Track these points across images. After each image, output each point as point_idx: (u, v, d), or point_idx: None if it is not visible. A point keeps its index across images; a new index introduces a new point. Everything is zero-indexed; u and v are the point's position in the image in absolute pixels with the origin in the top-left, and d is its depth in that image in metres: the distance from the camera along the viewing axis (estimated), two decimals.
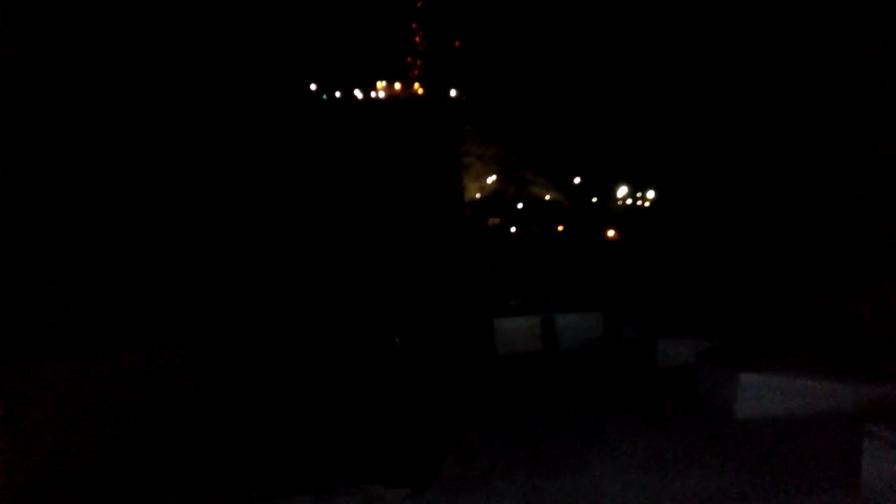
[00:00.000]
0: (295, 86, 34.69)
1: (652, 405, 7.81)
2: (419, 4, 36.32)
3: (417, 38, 36.82)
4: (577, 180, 33.62)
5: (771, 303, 13.98)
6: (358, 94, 36.32)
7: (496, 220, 31.38)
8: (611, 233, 30.65)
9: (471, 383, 10.51)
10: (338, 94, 36.12)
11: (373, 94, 36.36)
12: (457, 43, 35.33)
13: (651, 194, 31.44)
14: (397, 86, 36.34)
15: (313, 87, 35.89)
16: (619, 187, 32.15)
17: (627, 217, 31.37)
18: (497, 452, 6.44)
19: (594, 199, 32.66)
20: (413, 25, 37.31)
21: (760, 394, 6.05)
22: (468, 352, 12.35)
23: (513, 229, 31.23)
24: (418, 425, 7.99)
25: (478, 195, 33.30)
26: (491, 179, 33.66)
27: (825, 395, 5.88)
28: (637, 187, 31.83)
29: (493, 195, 33.27)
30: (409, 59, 37.84)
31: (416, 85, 35.91)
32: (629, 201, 31.93)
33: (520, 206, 32.59)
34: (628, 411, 7.57)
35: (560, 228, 31.45)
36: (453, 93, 34.73)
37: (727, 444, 5.63)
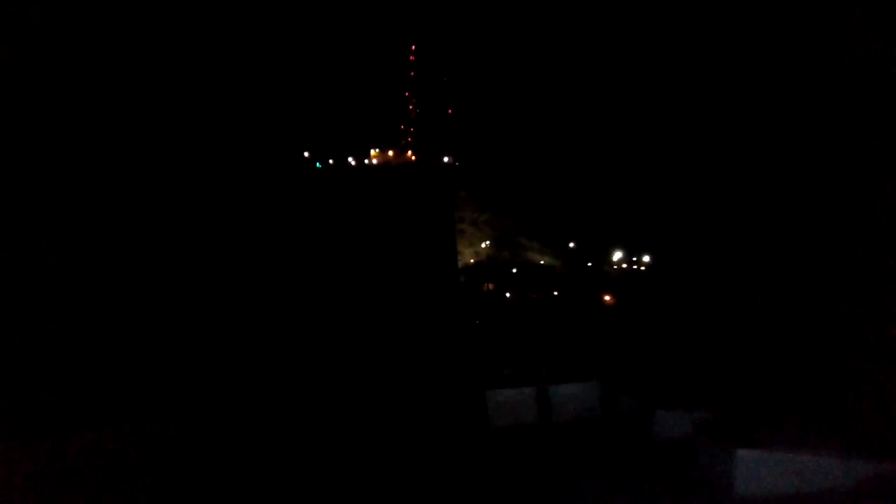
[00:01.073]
0: (287, 154, 34.95)
1: (651, 482, 7.51)
2: (412, 73, 36.96)
3: (410, 106, 37.31)
4: (571, 244, 33.46)
5: (768, 372, 13.50)
6: (351, 161, 36.54)
7: (490, 286, 31.06)
8: (606, 297, 30.28)
9: (463, 458, 9.99)
10: (331, 161, 36.34)
11: (366, 160, 36.58)
12: (449, 111, 35.77)
13: (647, 258, 31.25)
14: (390, 153, 36.61)
15: (306, 154, 36.18)
16: (614, 251, 31.97)
17: (623, 281, 31.08)
18: None
19: (589, 264, 32.43)
20: (405, 94, 37.87)
21: (759, 470, 5.87)
22: (460, 424, 11.81)
23: (507, 294, 30.85)
24: None
25: (472, 260, 33.06)
26: (485, 244, 33.50)
27: (824, 472, 5.72)
28: (632, 251, 31.66)
29: (487, 260, 33.05)
30: (401, 126, 38.26)
31: (409, 152, 36.17)
32: (624, 265, 31.71)
33: (514, 270, 32.31)
34: (627, 493, 7.24)
35: (555, 293, 31.09)
36: (446, 159, 34.96)
37: None
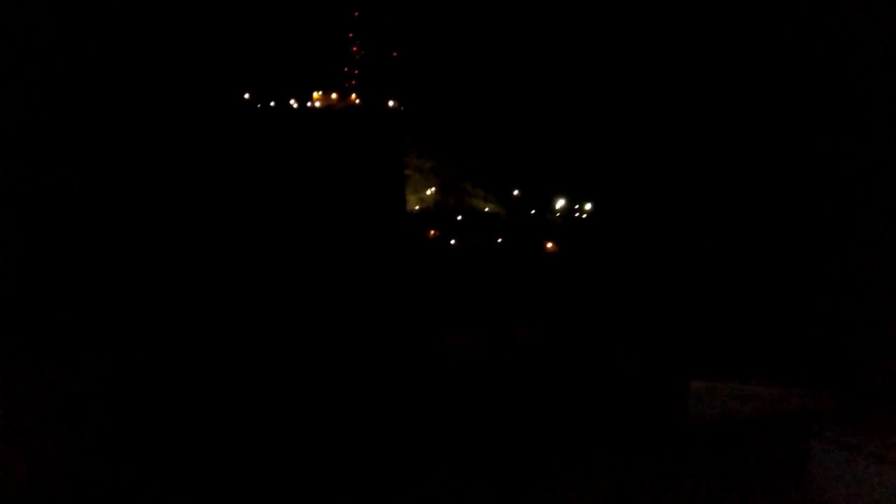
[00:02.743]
0: (228, 94, 33.72)
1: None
2: (356, 14, 35.85)
3: (354, 48, 36.30)
4: (515, 192, 33.71)
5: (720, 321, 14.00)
6: (293, 103, 35.53)
7: (435, 233, 31.13)
8: (549, 245, 30.83)
9: (418, 403, 10.13)
10: (272, 103, 35.26)
11: (308, 103, 35.63)
12: (394, 53, 34.98)
13: (588, 206, 31.88)
14: (334, 96, 35.72)
15: (247, 95, 34.92)
16: (557, 199, 32.40)
17: (566, 229, 31.66)
18: None
19: (532, 212, 32.80)
20: (349, 34, 36.79)
21: None
22: (414, 367, 11.96)
23: (452, 241, 31.03)
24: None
25: (417, 207, 32.98)
26: (430, 191, 33.40)
27: None
28: (575, 200, 32.20)
29: (433, 207, 33.01)
30: (345, 69, 37.25)
31: (353, 95, 35.36)
32: (567, 214, 32.27)
33: (459, 218, 32.42)
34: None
35: (499, 240, 31.44)
36: (392, 103, 34.35)
37: None
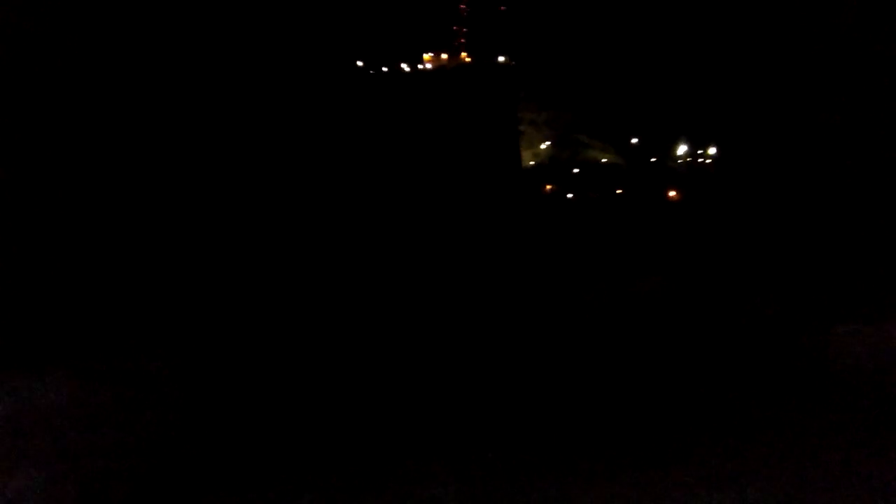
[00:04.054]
0: (342, 63, 34.54)
1: None
2: None
3: (462, 6, 36.07)
4: (634, 141, 32.67)
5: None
6: (405, 67, 35.93)
7: (551, 187, 30.87)
8: (671, 193, 29.80)
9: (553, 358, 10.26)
10: (384, 69, 35.80)
11: (419, 66, 35.90)
12: (502, 7, 34.47)
13: (712, 151, 30.41)
14: (444, 56, 35.79)
15: (360, 63, 35.68)
16: (678, 146, 31.13)
17: (689, 176, 30.46)
18: None
19: (653, 159, 31.73)
20: None
21: None
22: (536, 330, 12.11)
23: (569, 195, 30.67)
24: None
25: (532, 162, 32.74)
26: (544, 145, 33.00)
27: None
28: (697, 145, 30.80)
29: (548, 161, 32.65)
30: (454, 27, 37.13)
31: (464, 54, 35.28)
32: (689, 160, 30.98)
33: (575, 171, 31.91)
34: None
35: (618, 191, 30.74)
36: (502, 59, 34.00)
37: None
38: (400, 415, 7.49)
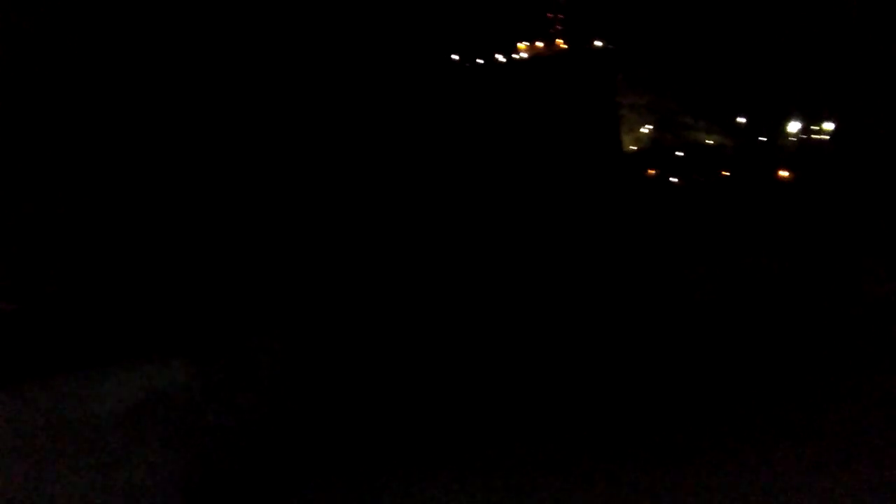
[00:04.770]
0: (437, 57, 34.97)
1: None
2: None
3: None
4: (741, 120, 31.38)
5: None
6: (500, 57, 35.98)
7: (654, 172, 30.17)
8: (784, 173, 28.47)
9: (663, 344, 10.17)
10: (479, 60, 35.98)
11: (515, 56, 35.87)
12: None
13: (828, 126, 28.76)
14: (540, 44, 35.61)
15: (455, 57, 36.02)
16: (789, 122, 29.64)
17: (802, 154, 28.98)
18: None
19: (763, 139, 30.38)
20: None
21: None
22: (654, 306, 12.02)
23: (673, 179, 29.87)
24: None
25: (632, 147, 32.09)
26: (645, 129, 32.28)
27: None
28: (811, 120, 29.22)
29: (651, 145, 31.90)
30: (548, 14, 36.85)
31: (559, 41, 34.98)
32: (803, 136, 29.43)
33: (678, 154, 31.02)
34: None
35: (725, 173, 29.68)
36: (599, 43, 33.47)
37: None
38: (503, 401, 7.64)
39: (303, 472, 5.78)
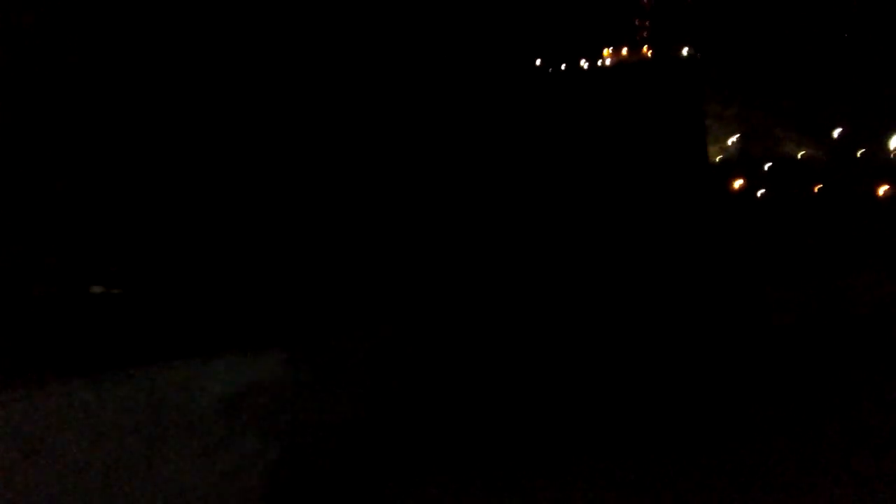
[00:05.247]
0: (522, 63, 34.91)
1: None
2: None
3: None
4: (837, 131, 30.02)
5: None
6: (584, 64, 35.65)
7: (741, 184, 29.19)
8: (884, 188, 27.03)
9: (741, 366, 9.85)
10: (563, 66, 35.75)
11: (599, 62, 35.48)
12: None
13: None
14: (624, 51, 35.10)
15: (538, 62, 35.87)
16: (891, 135, 28.12)
17: None
18: None
19: (860, 152, 28.92)
20: None
21: None
22: (735, 326, 11.66)
23: (760, 192, 28.83)
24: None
25: (717, 158, 31.19)
26: (732, 140, 31.32)
27: None
28: None
29: (738, 156, 30.93)
30: (636, 21, 36.30)
31: (646, 48, 34.38)
32: None
33: (768, 166, 29.94)
34: None
35: (818, 187, 28.40)
36: (686, 51, 32.70)
37: None
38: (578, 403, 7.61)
39: (398, 466, 5.86)
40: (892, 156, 28.61)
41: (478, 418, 7.01)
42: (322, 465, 5.63)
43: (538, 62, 34.45)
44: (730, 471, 5.87)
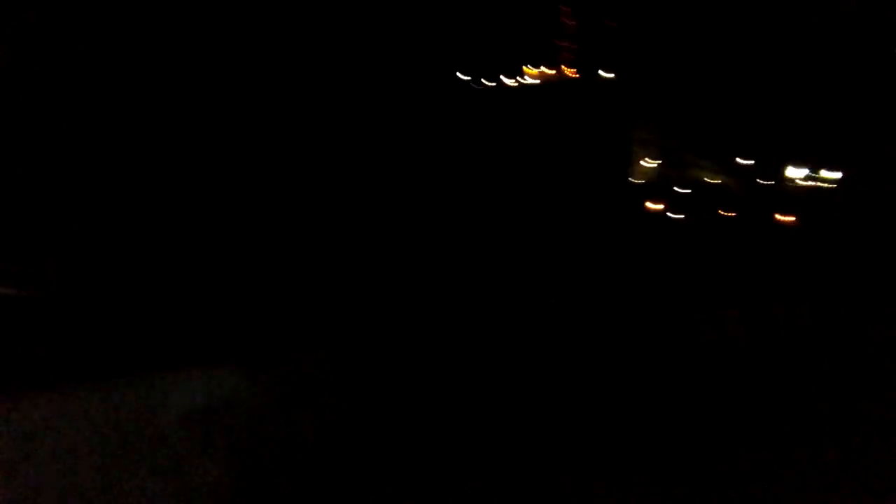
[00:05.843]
0: (441, 75, 34.78)
1: None
2: None
3: (567, 20, 35.78)
4: (746, 161, 31.44)
5: None
6: (506, 80, 35.85)
7: (658, 207, 29.99)
8: (786, 218, 28.45)
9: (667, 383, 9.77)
10: (485, 81, 35.82)
11: (520, 79, 35.79)
12: (612, 23, 33.97)
13: (834, 175, 28.82)
14: (547, 70, 35.57)
15: (460, 75, 35.85)
16: (794, 167, 29.68)
17: (805, 200, 29.00)
18: None
19: (766, 182, 30.40)
20: (561, 7, 36.28)
21: None
22: (661, 346, 11.58)
23: (677, 216, 29.73)
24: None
25: (637, 181, 32.02)
26: (650, 164, 32.23)
27: None
28: (816, 166, 29.28)
29: (656, 179, 31.84)
30: (556, 41, 36.86)
31: (567, 68, 34.96)
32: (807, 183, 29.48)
33: (685, 191, 30.96)
34: None
35: (728, 213, 29.59)
36: (609, 75, 33.46)
37: None
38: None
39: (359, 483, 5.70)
40: (795, 185, 30.21)
41: (444, 436, 6.73)
42: (287, 483, 5.41)
43: (461, 76, 34.44)
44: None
